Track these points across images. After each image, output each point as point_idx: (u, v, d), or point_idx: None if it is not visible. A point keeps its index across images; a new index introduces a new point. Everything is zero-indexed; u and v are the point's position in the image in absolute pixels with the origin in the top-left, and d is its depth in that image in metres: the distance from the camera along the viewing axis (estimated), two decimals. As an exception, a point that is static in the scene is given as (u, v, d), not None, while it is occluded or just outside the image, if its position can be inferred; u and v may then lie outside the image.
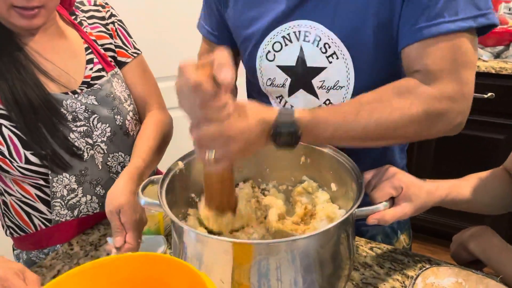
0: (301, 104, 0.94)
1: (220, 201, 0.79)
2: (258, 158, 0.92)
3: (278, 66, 0.93)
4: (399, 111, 0.72)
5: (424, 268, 0.77)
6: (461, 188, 0.82)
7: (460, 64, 0.73)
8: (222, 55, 0.61)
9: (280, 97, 0.97)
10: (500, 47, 1.99)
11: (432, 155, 2.20)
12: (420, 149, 2.21)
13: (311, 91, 0.92)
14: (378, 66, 0.86)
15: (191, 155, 0.85)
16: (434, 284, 0.76)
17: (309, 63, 0.89)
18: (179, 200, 0.82)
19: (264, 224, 0.85)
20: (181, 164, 0.83)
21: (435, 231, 2.31)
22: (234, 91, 1.01)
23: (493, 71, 1.90)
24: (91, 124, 1.02)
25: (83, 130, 1.01)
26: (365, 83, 0.85)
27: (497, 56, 1.99)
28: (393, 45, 0.81)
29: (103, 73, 1.07)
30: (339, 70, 0.87)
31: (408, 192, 0.75)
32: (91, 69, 1.06)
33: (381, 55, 0.84)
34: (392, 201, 0.76)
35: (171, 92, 1.29)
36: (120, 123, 1.07)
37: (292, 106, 0.96)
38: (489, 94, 1.92)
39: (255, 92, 1.02)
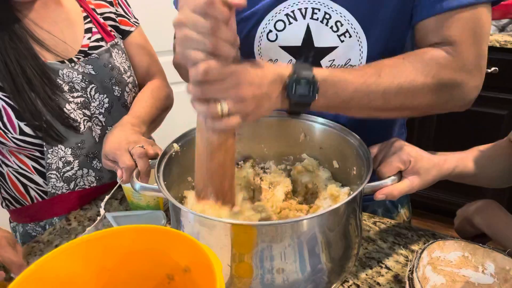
0: None
1: (220, 183, 0.68)
2: (255, 137, 0.89)
3: (281, 47, 0.87)
4: (422, 78, 0.69)
5: (430, 242, 0.75)
6: (468, 161, 0.80)
7: (479, 36, 0.71)
8: None
9: None
10: (505, 20, 1.94)
11: (433, 131, 2.17)
12: (421, 125, 2.19)
13: None
14: (391, 42, 0.82)
15: (186, 136, 0.81)
16: (440, 258, 0.74)
17: (317, 43, 0.83)
18: (175, 184, 0.77)
19: (270, 202, 0.82)
20: (176, 146, 0.79)
21: (434, 207, 2.30)
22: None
23: (498, 45, 1.86)
24: (89, 95, 1.00)
25: (80, 102, 0.99)
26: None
27: (502, 29, 1.94)
28: (407, 19, 0.77)
29: (102, 43, 1.04)
30: (352, 48, 0.82)
31: (416, 166, 0.74)
32: (89, 38, 1.03)
33: (395, 30, 0.80)
34: (400, 175, 0.74)
35: (169, 67, 1.24)
36: (119, 94, 1.05)
37: None
38: (493, 68, 1.88)
39: None
